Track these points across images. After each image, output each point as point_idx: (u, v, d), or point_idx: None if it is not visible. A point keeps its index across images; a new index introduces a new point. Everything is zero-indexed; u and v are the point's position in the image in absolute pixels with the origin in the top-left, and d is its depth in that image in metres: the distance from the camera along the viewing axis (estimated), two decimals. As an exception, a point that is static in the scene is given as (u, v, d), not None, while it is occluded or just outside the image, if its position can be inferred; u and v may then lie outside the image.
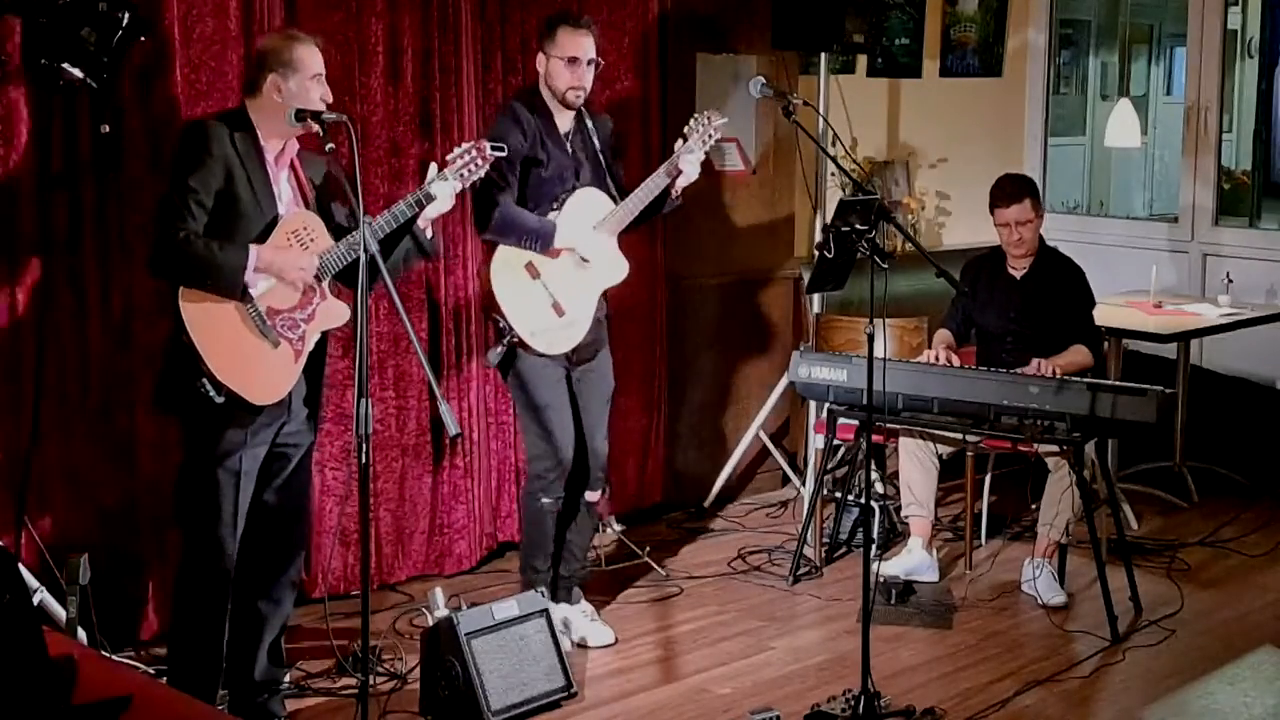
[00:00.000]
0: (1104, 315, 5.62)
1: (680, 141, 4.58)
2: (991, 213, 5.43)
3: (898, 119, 7.22)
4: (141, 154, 4.40)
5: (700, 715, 4.24)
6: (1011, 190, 5.38)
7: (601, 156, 4.64)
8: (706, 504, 6.19)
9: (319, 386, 3.94)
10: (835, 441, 5.44)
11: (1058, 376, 4.99)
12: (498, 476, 5.43)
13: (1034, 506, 5.47)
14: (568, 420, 4.57)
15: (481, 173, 4.03)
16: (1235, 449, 6.60)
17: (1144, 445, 6.32)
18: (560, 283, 4.51)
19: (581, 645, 4.66)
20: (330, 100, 3.80)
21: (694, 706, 4.29)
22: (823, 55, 5.98)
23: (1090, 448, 5.19)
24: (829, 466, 5.58)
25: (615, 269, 4.63)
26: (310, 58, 3.76)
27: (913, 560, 5.30)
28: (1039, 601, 5.06)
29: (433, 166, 3.99)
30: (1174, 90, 9.54)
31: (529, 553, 4.68)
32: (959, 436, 5.12)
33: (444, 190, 3.93)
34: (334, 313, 3.85)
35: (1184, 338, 6.22)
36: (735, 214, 6.23)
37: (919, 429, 5.19)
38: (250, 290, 3.67)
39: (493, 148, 4.05)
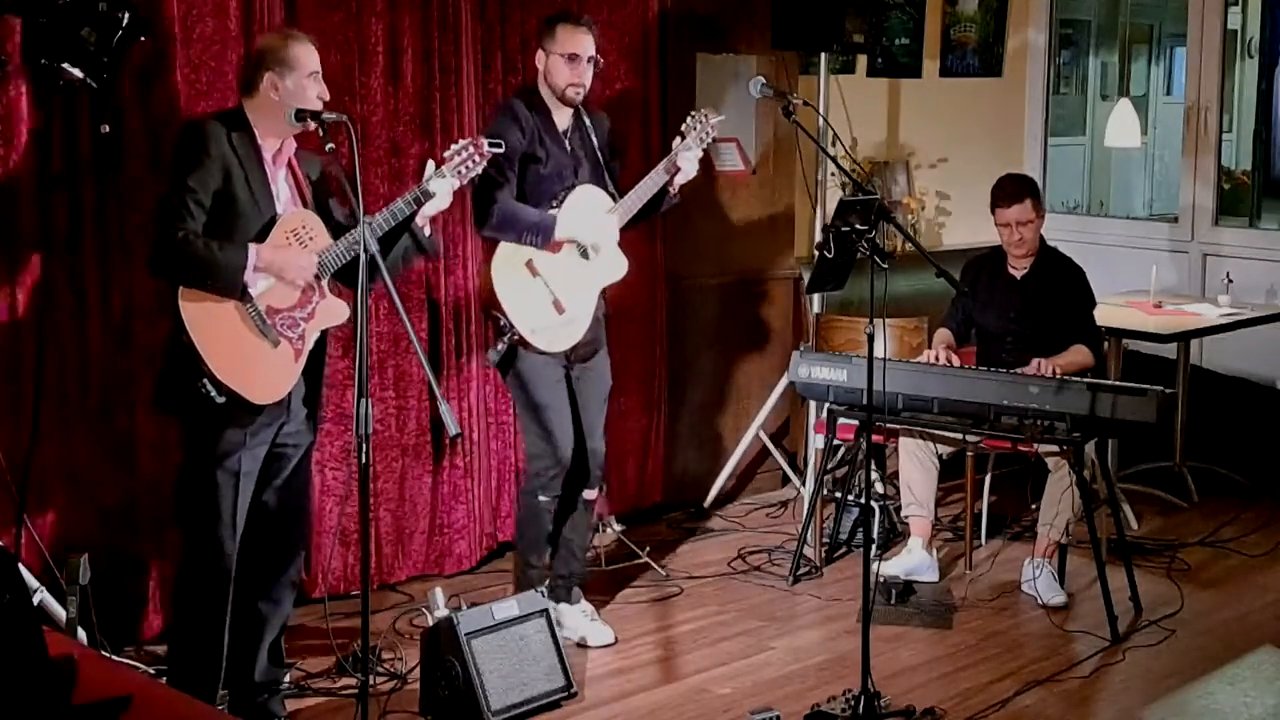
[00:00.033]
0: (1104, 315, 5.62)
1: (678, 139, 4.60)
2: (992, 213, 5.43)
3: (898, 119, 7.22)
4: (141, 154, 4.40)
5: (700, 715, 4.24)
6: (1012, 190, 5.38)
7: (600, 155, 4.65)
8: (706, 504, 6.19)
9: (318, 387, 3.94)
10: (835, 441, 5.44)
11: (1058, 376, 4.99)
12: (498, 476, 5.43)
13: (1034, 506, 5.47)
14: (567, 420, 4.58)
15: (479, 169, 4.03)
16: (1235, 449, 6.60)
17: (1144, 445, 6.32)
18: (560, 280, 4.51)
19: (581, 645, 4.67)
20: (327, 98, 3.80)
21: (694, 706, 4.29)
22: (823, 55, 5.98)
23: (1090, 448, 5.19)
24: (829, 466, 5.58)
25: (615, 266, 4.64)
26: (307, 56, 3.76)
27: (913, 560, 5.29)
28: (1039, 601, 5.06)
29: (430, 164, 3.99)
30: (1174, 90, 9.54)
31: (526, 549, 4.68)
32: (959, 436, 5.12)
33: (442, 187, 3.93)
34: (333, 311, 3.85)
35: (1184, 338, 6.22)
36: (735, 214, 6.23)
37: (919, 429, 5.19)
38: (250, 290, 3.67)
39: (490, 144, 4.04)
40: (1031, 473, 5.59)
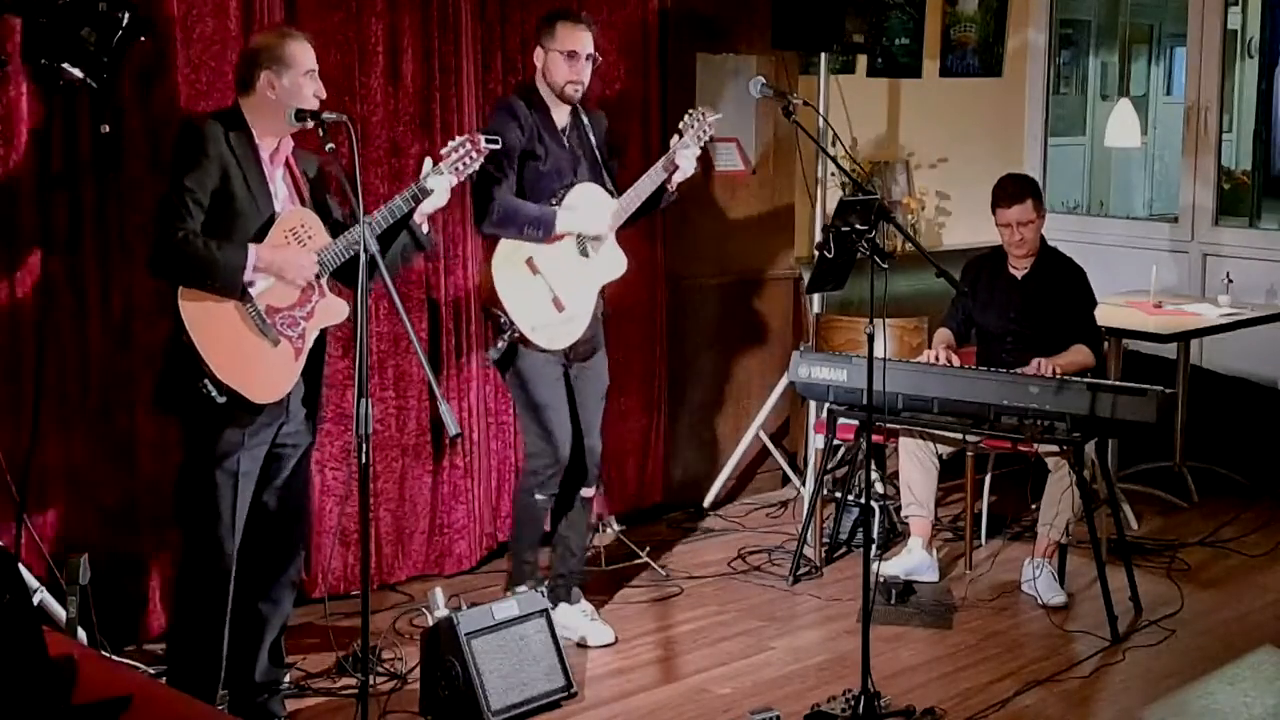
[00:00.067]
0: (1104, 315, 5.62)
1: (676, 137, 4.62)
2: (993, 213, 5.43)
3: (898, 119, 7.22)
4: (141, 154, 4.40)
5: (700, 715, 4.24)
6: (1013, 190, 5.38)
7: (598, 153, 4.66)
8: (706, 504, 6.19)
9: (318, 387, 3.94)
10: (835, 441, 5.44)
11: (1058, 376, 4.99)
12: (498, 476, 5.43)
13: (1034, 506, 5.47)
14: (566, 419, 4.59)
15: (476, 165, 4.03)
16: (1235, 449, 6.60)
17: (1144, 445, 6.32)
18: (560, 278, 4.52)
19: (581, 645, 4.67)
20: (323, 96, 3.80)
21: (694, 706, 4.29)
22: (823, 55, 5.98)
23: (1090, 448, 5.19)
24: (829, 466, 5.58)
25: (614, 264, 4.65)
26: (303, 54, 3.76)
27: (913, 560, 5.29)
28: (1039, 601, 5.06)
29: (427, 161, 4.00)
30: (1174, 90, 9.54)
31: (521, 546, 4.70)
32: (959, 436, 5.12)
33: (440, 184, 3.93)
34: (333, 310, 3.85)
35: (1184, 338, 6.22)
36: (735, 214, 6.23)
37: (919, 429, 5.19)
38: (249, 289, 3.67)
39: (487, 140, 4.05)
40: (1031, 473, 5.59)
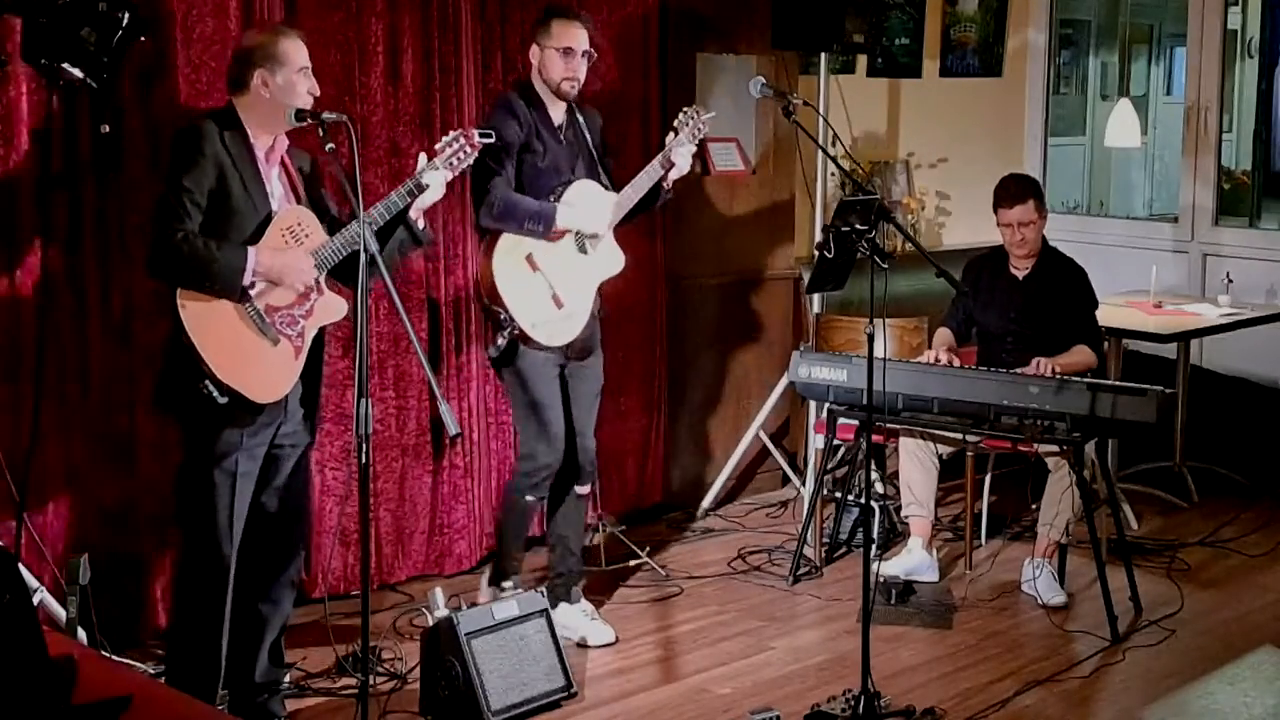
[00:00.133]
0: (1104, 315, 5.62)
1: (671, 135, 4.64)
2: (995, 213, 5.43)
3: (898, 119, 7.22)
4: (141, 154, 4.40)
5: (700, 715, 4.24)
6: (1015, 191, 5.38)
7: (594, 150, 4.67)
8: (706, 504, 6.19)
9: (316, 387, 3.94)
10: (835, 441, 5.44)
11: (1058, 376, 4.99)
12: (498, 476, 5.42)
13: (1034, 506, 5.47)
14: (562, 419, 4.60)
15: (471, 160, 4.04)
16: (1235, 449, 6.60)
17: (1144, 445, 6.32)
18: (559, 275, 4.53)
19: (581, 645, 4.67)
20: (317, 93, 3.80)
21: (694, 706, 4.29)
22: (823, 55, 5.98)
23: (1090, 448, 5.19)
24: (829, 466, 5.58)
25: (612, 261, 4.66)
26: (296, 52, 3.76)
27: (913, 560, 5.29)
28: (1039, 601, 5.06)
29: (422, 156, 4.01)
30: (1174, 90, 9.54)
31: (509, 544, 4.71)
32: (959, 436, 5.12)
33: (435, 179, 3.93)
34: (332, 308, 3.85)
35: (1184, 338, 6.22)
36: (735, 214, 6.23)
37: (919, 429, 5.19)
38: (249, 290, 3.66)
39: (481, 135, 4.05)
40: (1031, 473, 5.59)
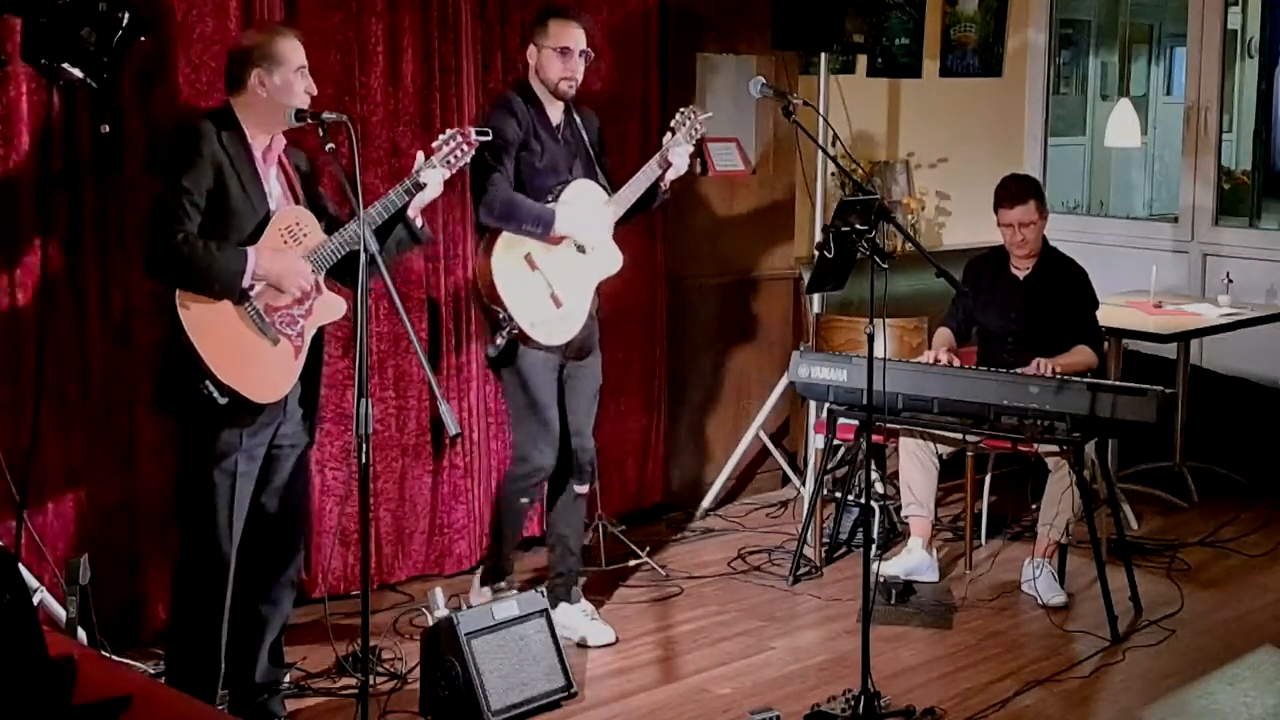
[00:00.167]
0: (1104, 315, 5.62)
1: (668, 135, 4.65)
2: (996, 213, 5.43)
3: (898, 119, 7.22)
4: (141, 154, 4.40)
5: (700, 715, 4.24)
6: (1016, 191, 5.38)
7: (591, 150, 4.67)
8: (706, 504, 6.19)
9: (315, 387, 3.94)
10: (835, 441, 5.44)
11: (1058, 376, 4.99)
12: (498, 476, 5.41)
13: (1034, 506, 5.47)
14: (558, 421, 4.61)
15: (468, 158, 4.04)
16: (1235, 449, 6.60)
17: (1144, 445, 6.32)
18: (558, 274, 4.53)
19: (581, 645, 4.67)
20: (314, 92, 3.80)
21: (694, 706, 4.29)
22: (823, 55, 5.98)
23: (1090, 448, 5.19)
24: (829, 466, 5.58)
25: (610, 260, 4.66)
26: (293, 51, 3.76)
27: (913, 560, 5.29)
28: (1039, 601, 5.06)
29: (420, 155, 4.01)
30: (1174, 90, 9.54)
31: (504, 545, 4.72)
32: (959, 436, 5.12)
33: (433, 178, 3.94)
34: (331, 307, 3.85)
35: (1184, 338, 6.22)
36: (735, 214, 6.23)
37: (919, 429, 5.19)
38: (248, 291, 3.66)
39: (478, 132, 4.06)
40: (1031, 473, 5.59)
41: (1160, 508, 6.20)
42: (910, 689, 4.36)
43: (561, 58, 4.52)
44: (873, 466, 5.67)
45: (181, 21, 4.43)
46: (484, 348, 4.73)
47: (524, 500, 4.64)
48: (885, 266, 4.14)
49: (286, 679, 4.19)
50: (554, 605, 4.53)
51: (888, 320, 5.46)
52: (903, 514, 5.44)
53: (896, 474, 5.54)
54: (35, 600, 3.96)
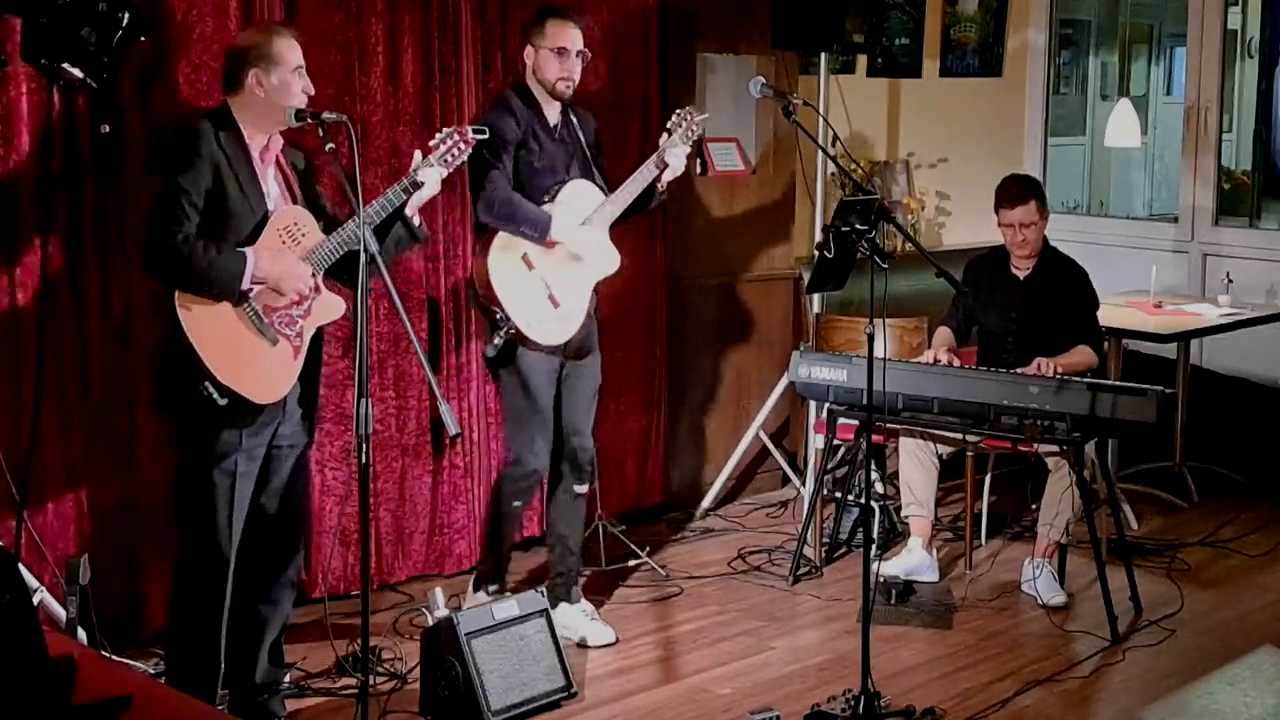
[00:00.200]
0: (1104, 315, 5.62)
1: (665, 136, 4.64)
2: (996, 213, 5.43)
3: (898, 119, 7.22)
4: (141, 154, 4.40)
5: (700, 715, 4.24)
6: (1017, 191, 5.38)
7: (588, 151, 4.67)
8: (706, 504, 6.19)
9: (314, 387, 3.94)
10: (835, 441, 5.44)
11: (1058, 376, 4.99)
12: (497, 476, 5.42)
13: (1034, 506, 5.47)
14: (552, 425, 4.62)
15: (465, 157, 4.04)
16: (1235, 449, 6.60)
17: (1144, 445, 6.32)
18: (555, 275, 4.53)
19: (581, 645, 4.67)
20: (311, 92, 3.80)
21: (694, 706, 4.29)
22: (823, 55, 5.98)
23: (1090, 448, 5.19)
24: (829, 466, 5.58)
25: (607, 260, 4.66)
26: (290, 51, 3.76)
27: (913, 560, 5.29)
28: (1039, 601, 5.06)
29: (417, 153, 4.01)
30: (1174, 90, 9.54)
31: (496, 547, 4.71)
32: (959, 436, 5.12)
33: (431, 176, 3.94)
34: (330, 307, 3.85)
35: (1184, 338, 6.22)
36: (735, 214, 6.23)
37: (919, 429, 5.19)
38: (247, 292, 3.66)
39: (474, 131, 4.06)
40: (1031, 473, 5.59)
41: (1160, 508, 6.20)
42: (910, 689, 4.36)
43: (559, 58, 4.52)
44: (873, 466, 5.67)
45: (181, 21, 4.43)
46: (482, 348, 4.73)
47: (517, 503, 4.64)
48: (885, 266, 4.14)
49: (286, 679, 4.19)
50: (554, 605, 4.53)
51: (888, 320, 5.46)
52: (903, 514, 5.44)
53: (896, 474, 5.54)
54: (35, 600, 3.96)
